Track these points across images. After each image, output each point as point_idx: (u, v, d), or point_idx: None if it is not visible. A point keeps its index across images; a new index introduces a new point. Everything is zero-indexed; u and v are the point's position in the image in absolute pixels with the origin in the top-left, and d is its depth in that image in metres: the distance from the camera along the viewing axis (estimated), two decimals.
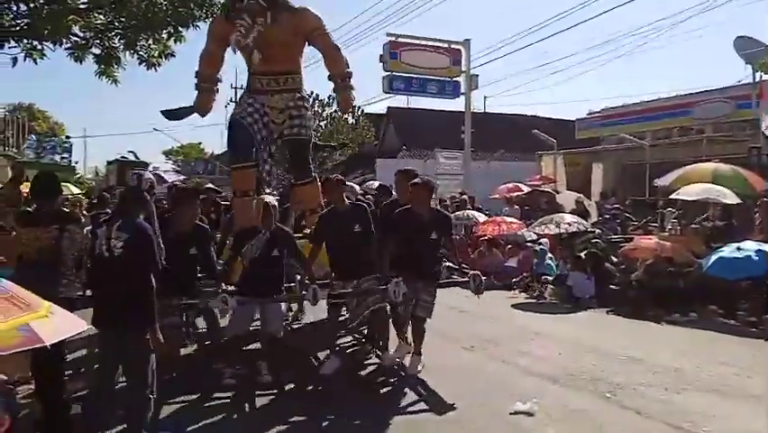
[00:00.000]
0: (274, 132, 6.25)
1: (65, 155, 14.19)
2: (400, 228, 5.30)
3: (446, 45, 19.01)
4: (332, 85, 6.53)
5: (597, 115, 22.01)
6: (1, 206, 7.23)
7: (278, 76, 6.25)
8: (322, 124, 28.56)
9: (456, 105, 21.04)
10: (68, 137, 30.53)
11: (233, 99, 39.55)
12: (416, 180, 5.45)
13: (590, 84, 74.67)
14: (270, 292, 5.18)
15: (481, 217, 12.32)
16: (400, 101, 28.30)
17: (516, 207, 14.53)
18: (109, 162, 27.96)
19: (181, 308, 4.96)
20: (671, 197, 10.09)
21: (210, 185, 14.99)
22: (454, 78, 19.37)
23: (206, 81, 6.48)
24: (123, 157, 28.38)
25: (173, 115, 6.72)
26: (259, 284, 5.12)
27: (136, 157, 29.93)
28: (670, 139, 17.42)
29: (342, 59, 6.49)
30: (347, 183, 6.84)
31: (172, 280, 4.54)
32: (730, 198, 9.00)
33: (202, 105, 6.53)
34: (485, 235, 11.47)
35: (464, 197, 15.01)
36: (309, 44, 6.37)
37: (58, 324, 2.38)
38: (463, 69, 19.08)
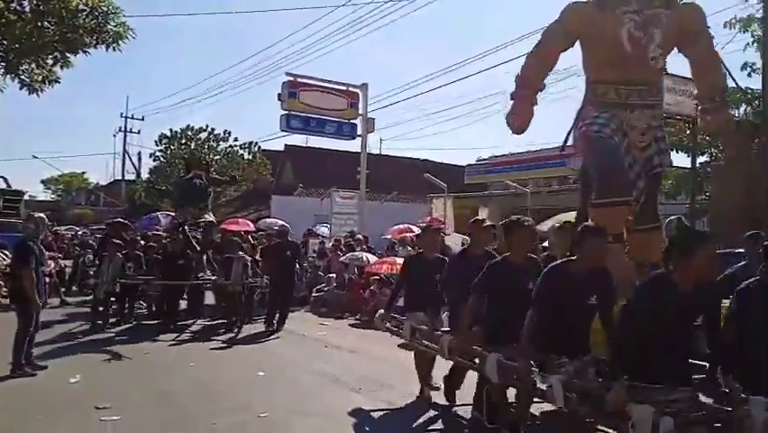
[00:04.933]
0: (637, 159, 4.81)
1: None
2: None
3: (344, 88, 19.42)
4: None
5: (485, 162, 23.26)
6: None
7: (640, 86, 4.80)
8: (216, 158, 28.13)
9: (353, 145, 21.44)
10: None
11: (122, 129, 38.35)
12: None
13: (480, 132, 78.60)
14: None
15: (372, 259, 12.62)
16: (299, 139, 28.47)
17: (409, 247, 14.92)
18: None
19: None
20: (545, 244, 10.79)
21: (120, 219, 14.26)
22: (352, 120, 19.78)
23: (528, 86, 5.05)
24: None
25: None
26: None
27: (7, 184, 27.80)
28: (550, 187, 18.70)
29: (723, 72, 5.21)
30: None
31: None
32: None
33: (515, 118, 5.11)
34: (377, 274, 11.70)
35: (359, 236, 15.26)
36: (680, 49, 4.95)
37: None
38: (360, 111, 19.54)
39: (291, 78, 18.39)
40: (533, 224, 4.69)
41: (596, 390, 3.47)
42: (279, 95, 18.24)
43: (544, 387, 3.66)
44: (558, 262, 4.12)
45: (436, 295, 5.67)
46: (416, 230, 16.27)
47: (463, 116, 76.93)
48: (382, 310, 6.25)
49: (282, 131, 19.40)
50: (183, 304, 10.70)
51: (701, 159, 12.87)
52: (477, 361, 4.51)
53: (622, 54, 4.64)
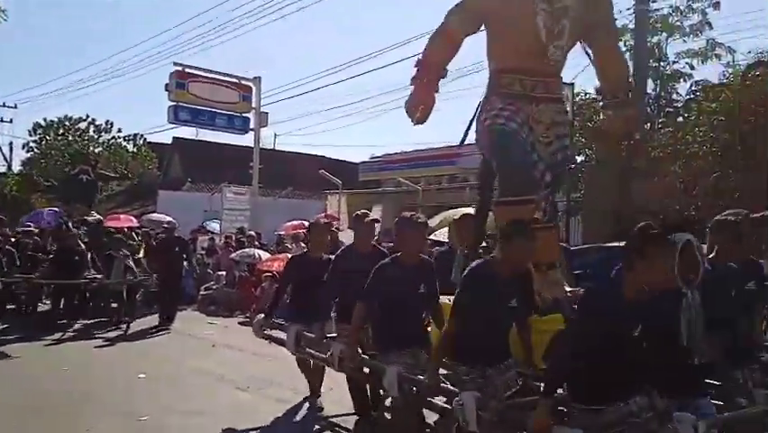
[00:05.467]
0: (542, 156, 4.37)
1: None
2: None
3: (236, 80, 18.97)
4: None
5: (378, 159, 23.57)
6: None
7: (547, 78, 4.42)
8: (97, 150, 26.54)
9: (246, 140, 20.99)
10: None
11: None
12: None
13: (375, 129, 79.38)
14: None
15: (264, 256, 12.45)
16: (188, 132, 27.40)
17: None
18: None
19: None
20: (431, 237, 11.16)
21: None
22: (244, 114, 19.36)
23: (430, 72, 4.50)
24: None
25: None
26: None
27: None
28: (440, 185, 19.27)
29: (627, 66, 4.92)
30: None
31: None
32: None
33: (416, 106, 4.50)
34: (269, 272, 11.53)
35: (251, 233, 14.97)
36: (585, 41, 4.58)
37: None
38: (253, 105, 19.16)
39: (179, 69, 17.73)
40: (425, 222, 4.42)
41: (517, 409, 3.17)
42: (167, 85, 17.55)
43: (452, 406, 3.22)
44: (479, 262, 3.75)
45: (324, 300, 5.23)
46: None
47: (358, 113, 77.54)
48: (261, 315, 5.64)
49: (170, 123, 18.68)
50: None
51: (577, 159, 13.78)
52: (371, 371, 4.20)
53: (532, 44, 4.31)
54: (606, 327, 2.88)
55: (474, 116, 4.61)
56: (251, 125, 19.31)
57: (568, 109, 4.31)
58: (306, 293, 5.32)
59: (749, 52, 13.74)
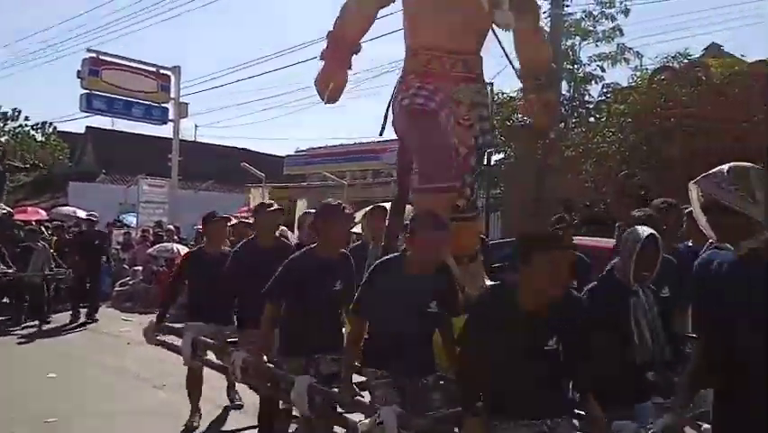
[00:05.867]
0: (462, 140, 4.00)
1: None
2: None
3: (154, 69, 18.35)
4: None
5: (303, 153, 23.41)
6: None
7: (466, 56, 4.06)
8: (3, 139, 24.97)
9: (166, 131, 20.35)
10: None
11: None
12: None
13: (300, 122, 78.64)
14: None
15: (184, 250, 12.14)
16: (103, 122, 26.22)
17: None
18: None
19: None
20: (354, 230, 11.23)
21: None
22: (162, 104, 18.75)
23: (343, 47, 4.19)
24: None
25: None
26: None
27: None
28: (365, 180, 19.38)
29: (548, 49, 4.68)
30: None
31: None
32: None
33: (327, 83, 4.18)
34: None
35: (169, 227, 14.56)
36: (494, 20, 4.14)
37: None
38: (172, 95, 18.59)
39: (93, 55, 16.98)
40: (352, 213, 4.07)
41: (445, 424, 2.81)
42: (79, 72, 16.79)
43: (366, 427, 2.77)
44: (390, 256, 3.38)
45: (224, 299, 4.69)
46: (234, 220, 15.84)
47: (282, 106, 76.31)
48: (152, 319, 5.04)
49: (82, 111, 17.87)
50: None
51: (496, 157, 14.22)
52: (278, 383, 3.64)
53: (451, 19, 3.97)
54: (498, 335, 2.59)
55: (391, 98, 4.22)
56: (170, 116, 18.75)
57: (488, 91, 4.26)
58: (203, 292, 4.83)
59: (656, 57, 14.62)
